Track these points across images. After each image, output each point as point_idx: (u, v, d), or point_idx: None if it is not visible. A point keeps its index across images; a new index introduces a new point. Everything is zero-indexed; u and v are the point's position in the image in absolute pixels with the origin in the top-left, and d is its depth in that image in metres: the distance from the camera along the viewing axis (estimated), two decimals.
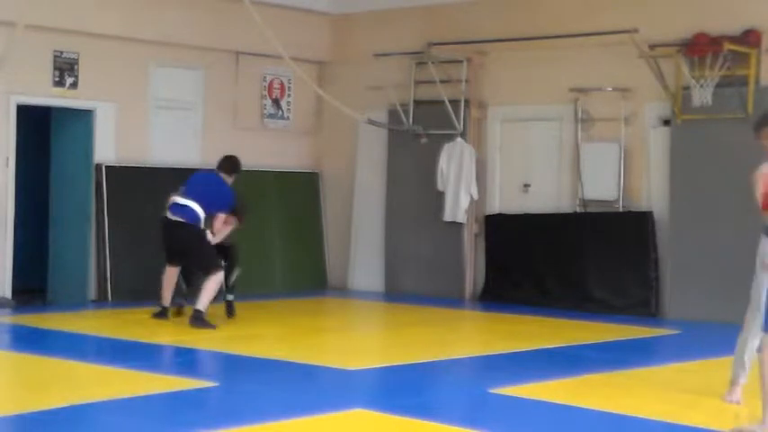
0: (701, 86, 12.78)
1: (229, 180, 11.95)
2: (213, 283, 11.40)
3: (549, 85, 14.24)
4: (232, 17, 14.50)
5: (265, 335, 10.93)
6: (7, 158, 13.28)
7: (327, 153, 16.27)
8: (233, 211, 11.89)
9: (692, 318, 12.85)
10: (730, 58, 12.67)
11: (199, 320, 11.26)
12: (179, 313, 11.92)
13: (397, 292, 15.17)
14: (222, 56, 15.21)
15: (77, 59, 13.73)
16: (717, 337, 11.93)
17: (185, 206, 11.54)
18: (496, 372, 9.69)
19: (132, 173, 14.13)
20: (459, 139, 14.77)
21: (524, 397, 8.32)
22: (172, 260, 11.77)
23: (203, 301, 11.31)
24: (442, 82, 14.77)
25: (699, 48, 12.78)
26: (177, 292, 11.97)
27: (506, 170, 14.82)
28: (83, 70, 13.76)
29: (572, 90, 14.06)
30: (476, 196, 14.77)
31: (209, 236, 11.61)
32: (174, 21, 14.43)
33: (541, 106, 14.43)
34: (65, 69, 13.63)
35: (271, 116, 15.84)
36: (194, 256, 11.60)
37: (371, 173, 15.72)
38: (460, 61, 14.84)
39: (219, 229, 11.79)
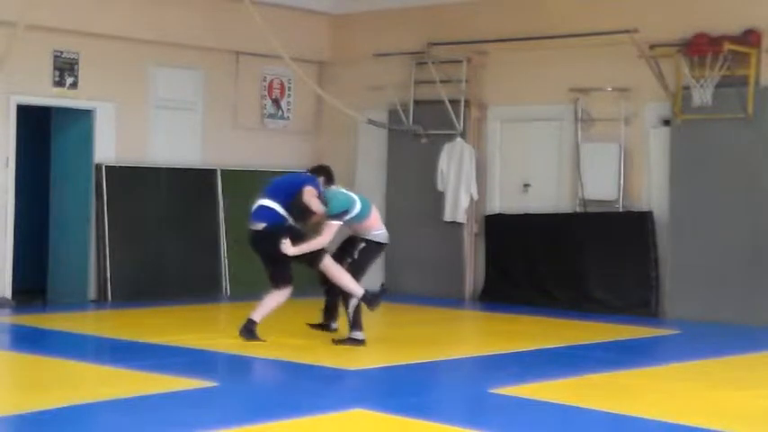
0: (701, 86, 12.78)
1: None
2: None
3: (549, 85, 14.24)
4: (232, 17, 14.50)
5: (264, 335, 10.90)
6: (7, 158, 13.28)
7: (327, 153, 16.23)
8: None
9: (692, 318, 12.84)
10: (730, 58, 12.66)
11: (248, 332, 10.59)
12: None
13: (397, 292, 15.15)
14: (222, 56, 15.21)
15: (77, 59, 13.73)
16: (717, 337, 11.97)
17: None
18: (496, 372, 9.69)
19: (132, 173, 14.13)
20: (459, 139, 14.76)
21: (524, 397, 8.31)
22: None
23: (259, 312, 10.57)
24: (442, 82, 14.76)
25: (699, 48, 12.77)
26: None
27: (506, 170, 14.81)
28: (83, 70, 13.76)
29: (572, 90, 14.06)
30: (476, 196, 14.76)
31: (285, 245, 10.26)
32: (174, 21, 14.43)
33: (541, 106, 14.42)
34: (65, 69, 13.63)
35: (271, 116, 15.84)
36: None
37: (371, 173, 15.72)
38: (460, 61, 14.83)
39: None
